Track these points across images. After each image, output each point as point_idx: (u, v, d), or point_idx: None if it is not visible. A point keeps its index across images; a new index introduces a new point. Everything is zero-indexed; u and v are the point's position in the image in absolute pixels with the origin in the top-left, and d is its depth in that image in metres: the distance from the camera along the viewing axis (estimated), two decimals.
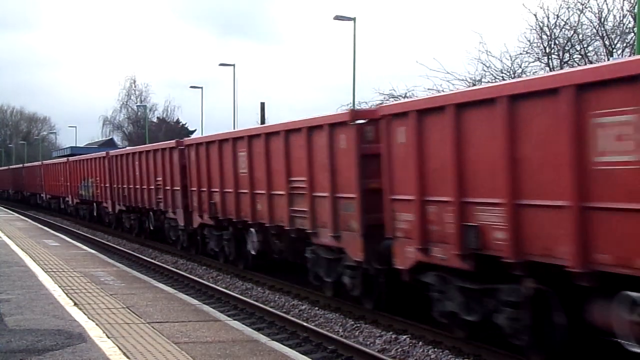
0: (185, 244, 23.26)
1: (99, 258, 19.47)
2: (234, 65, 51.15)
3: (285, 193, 15.23)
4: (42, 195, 52.34)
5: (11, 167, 76.18)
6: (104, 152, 32.88)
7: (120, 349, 8.72)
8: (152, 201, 25.41)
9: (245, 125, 38.31)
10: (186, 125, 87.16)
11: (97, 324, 10.15)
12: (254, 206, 16.99)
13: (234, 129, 36.88)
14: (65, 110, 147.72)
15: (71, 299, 12.30)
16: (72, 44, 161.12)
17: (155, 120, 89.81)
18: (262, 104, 49.25)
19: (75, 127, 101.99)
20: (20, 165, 67.37)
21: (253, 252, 17.85)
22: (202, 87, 59.50)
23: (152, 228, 26.78)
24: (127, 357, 8.35)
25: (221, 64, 51.53)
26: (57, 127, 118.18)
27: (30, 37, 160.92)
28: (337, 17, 36.83)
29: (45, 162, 53.22)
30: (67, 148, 78.21)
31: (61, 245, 22.91)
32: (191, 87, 61.51)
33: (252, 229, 17.52)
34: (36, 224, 34.69)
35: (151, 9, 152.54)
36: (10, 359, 8.28)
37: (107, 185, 31.57)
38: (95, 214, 36.22)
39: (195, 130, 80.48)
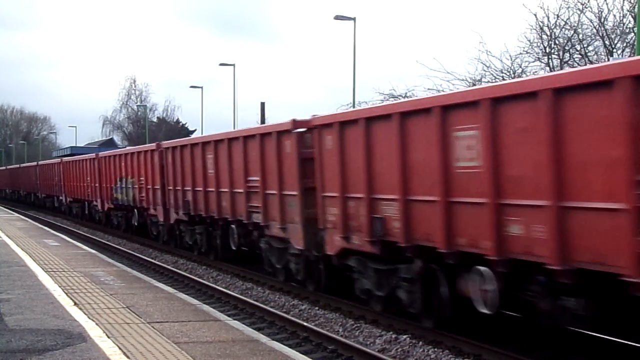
0: (301, 276, 15.65)
1: (99, 258, 19.46)
2: (234, 65, 51.32)
3: (629, 207, 7.61)
4: (60, 198, 44.75)
5: (22, 165, 67.47)
6: (154, 145, 25.69)
7: (120, 348, 8.72)
8: (238, 210, 18.12)
9: (245, 125, 35.80)
10: (186, 125, 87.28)
11: (97, 324, 10.15)
12: (499, 229, 9.38)
13: (234, 128, 36.35)
14: (65, 110, 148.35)
15: (71, 298, 12.30)
16: (72, 44, 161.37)
17: (155, 120, 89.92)
18: (262, 104, 49.35)
19: (75, 127, 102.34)
20: (34, 164, 57.99)
21: (485, 310, 10.19)
22: (202, 87, 59.73)
23: (234, 247, 19.44)
24: (127, 357, 8.35)
25: (221, 64, 51.67)
26: (57, 127, 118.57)
27: (30, 37, 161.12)
28: (337, 17, 36.88)
29: (65, 159, 44.67)
30: (67, 148, 78.18)
31: (61, 245, 22.89)
32: (191, 87, 61.79)
33: (483, 269, 10.01)
34: (36, 223, 34.66)
35: (151, 9, 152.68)
36: (10, 359, 8.28)
37: (157, 187, 24.58)
38: (135, 222, 29.14)
39: (195, 130, 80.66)
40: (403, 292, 11.92)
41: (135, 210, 28.49)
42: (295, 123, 15.15)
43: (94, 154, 35.83)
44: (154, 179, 24.97)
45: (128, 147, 33.15)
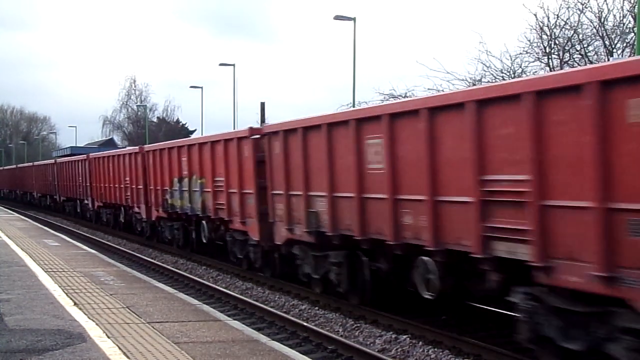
0: None
1: (99, 258, 19.45)
2: (234, 65, 51.34)
3: None
4: (86, 202, 37.47)
5: (36, 163, 58.72)
6: (245, 130, 18.12)
7: (120, 348, 8.72)
8: (449, 232, 10.48)
9: (245, 125, 34.82)
10: (186, 125, 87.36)
11: (97, 324, 10.15)
12: None
13: (234, 128, 36.34)
14: (65, 110, 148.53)
15: (71, 298, 12.29)
16: (72, 44, 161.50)
17: (155, 120, 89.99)
18: (262, 104, 49.29)
19: (75, 127, 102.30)
20: (52, 161, 49.63)
21: None
22: (202, 87, 59.75)
23: (428, 295, 11.48)
24: (127, 357, 8.35)
25: (221, 64, 51.69)
26: (57, 127, 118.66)
27: (30, 37, 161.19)
28: (337, 17, 36.87)
29: (92, 155, 36.81)
30: (67, 148, 78.23)
31: (61, 245, 22.88)
32: (191, 87, 61.78)
33: None
34: (36, 224, 34.65)
35: (151, 9, 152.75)
36: (10, 359, 8.28)
37: (249, 190, 17.58)
38: (203, 238, 21.54)
39: (195, 130, 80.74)
40: None
41: (204, 221, 21.28)
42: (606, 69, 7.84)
43: (137, 148, 28.68)
44: (242, 179, 17.99)
45: (194, 137, 24.55)
